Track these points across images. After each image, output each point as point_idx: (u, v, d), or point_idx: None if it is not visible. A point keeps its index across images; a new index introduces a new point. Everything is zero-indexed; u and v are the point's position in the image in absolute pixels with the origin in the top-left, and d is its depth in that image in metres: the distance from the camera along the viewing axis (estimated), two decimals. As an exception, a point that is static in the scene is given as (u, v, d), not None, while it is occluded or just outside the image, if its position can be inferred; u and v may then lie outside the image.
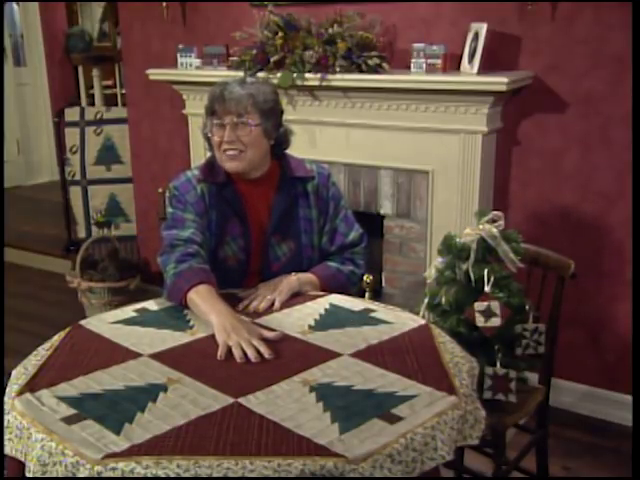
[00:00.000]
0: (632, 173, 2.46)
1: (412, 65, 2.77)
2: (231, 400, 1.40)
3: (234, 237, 2.04)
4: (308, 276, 2.05)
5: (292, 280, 2.00)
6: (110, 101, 5.05)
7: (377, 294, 2.96)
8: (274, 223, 2.05)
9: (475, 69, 2.65)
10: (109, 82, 5.45)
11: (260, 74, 2.96)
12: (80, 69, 5.18)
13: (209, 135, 2.01)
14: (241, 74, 2.93)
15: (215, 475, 1.18)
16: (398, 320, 1.81)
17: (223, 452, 1.22)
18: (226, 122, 1.95)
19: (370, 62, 2.79)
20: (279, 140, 2.07)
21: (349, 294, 2.04)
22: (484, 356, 1.90)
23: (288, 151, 2.16)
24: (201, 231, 1.98)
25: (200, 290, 1.81)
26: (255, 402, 1.39)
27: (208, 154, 2.12)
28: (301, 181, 2.09)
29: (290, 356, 1.61)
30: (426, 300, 2.09)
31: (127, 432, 1.29)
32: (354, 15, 2.86)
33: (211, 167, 2.06)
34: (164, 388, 1.46)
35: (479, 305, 1.90)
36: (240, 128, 1.95)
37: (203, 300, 1.79)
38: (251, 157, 1.99)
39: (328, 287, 2.05)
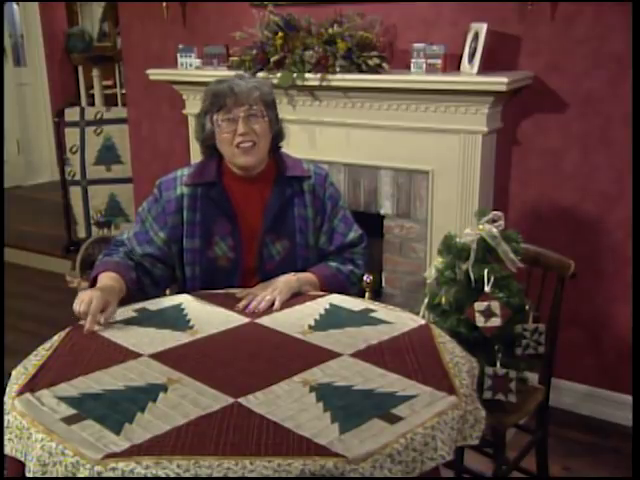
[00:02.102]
0: (632, 173, 2.46)
1: (412, 65, 2.77)
2: (231, 400, 1.40)
3: (223, 237, 2.04)
4: (307, 276, 2.05)
5: (292, 280, 2.00)
6: (110, 101, 5.05)
7: (377, 294, 2.95)
8: (268, 222, 2.05)
9: (475, 69, 2.65)
10: (109, 82, 5.46)
11: (260, 74, 2.96)
12: (80, 69, 5.19)
13: (216, 131, 2.01)
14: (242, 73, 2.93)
15: (215, 475, 1.18)
16: (398, 320, 1.81)
17: (223, 452, 1.22)
18: (240, 115, 1.97)
19: (370, 62, 2.79)
20: (277, 132, 2.09)
21: (349, 294, 2.04)
22: (484, 356, 1.90)
23: (287, 151, 2.17)
24: (155, 231, 2.05)
25: (101, 276, 1.93)
26: (255, 402, 1.39)
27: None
28: (297, 180, 2.10)
29: (290, 356, 1.61)
30: (426, 300, 2.09)
31: (127, 432, 1.29)
32: (354, 15, 2.86)
33: (202, 169, 2.09)
34: (164, 388, 1.46)
35: (479, 305, 1.90)
36: (252, 120, 1.98)
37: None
38: (263, 149, 2.03)
39: (328, 287, 2.05)
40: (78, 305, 1.76)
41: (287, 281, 1.99)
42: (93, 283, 1.94)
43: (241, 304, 1.90)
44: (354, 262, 2.15)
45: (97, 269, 1.97)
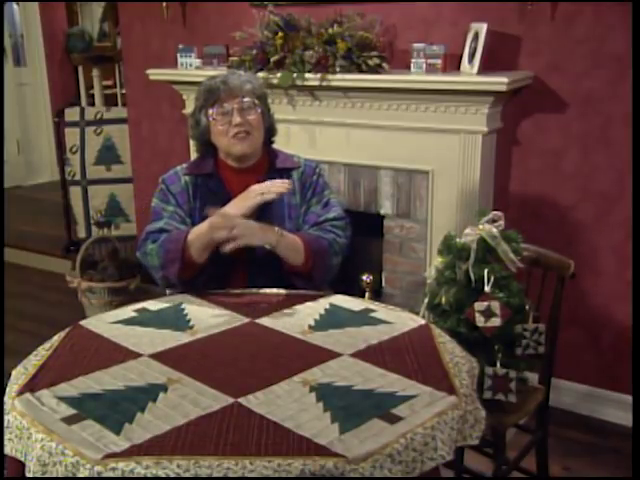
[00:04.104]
0: (632, 173, 2.46)
1: (412, 65, 2.77)
2: (231, 400, 1.40)
3: None
4: (291, 235, 1.99)
5: (272, 229, 1.95)
6: (110, 101, 5.05)
7: (377, 294, 2.96)
8: (258, 210, 2.05)
9: (475, 69, 2.64)
10: (109, 82, 5.45)
11: (260, 74, 2.96)
12: (80, 69, 5.19)
13: (211, 124, 2.06)
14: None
15: (215, 475, 1.18)
16: (398, 320, 1.81)
17: (223, 452, 1.23)
18: (234, 106, 2.03)
19: (370, 62, 2.79)
20: (269, 126, 2.15)
21: (331, 267, 2.02)
22: (484, 356, 1.90)
23: (286, 150, 2.21)
24: (179, 220, 2.07)
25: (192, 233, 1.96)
26: (255, 402, 1.39)
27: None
28: (288, 171, 2.15)
29: (290, 356, 1.61)
30: (426, 300, 2.09)
31: (127, 432, 1.29)
32: (354, 15, 2.86)
33: (200, 161, 2.19)
34: (164, 388, 1.46)
35: (479, 305, 1.90)
36: (246, 111, 2.05)
37: (199, 233, 1.94)
38: (257, 138, 2.09)
39: (310, 250, 1.97)
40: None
41: (264, 230, 1.95)
42: (183, 256, 1.93)
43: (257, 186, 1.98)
44: (335, 233, 2.06)
45: (180, 234, 1.96)
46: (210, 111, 2.07)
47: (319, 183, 2.18)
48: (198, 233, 1.95)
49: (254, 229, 1.94)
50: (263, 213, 2.06)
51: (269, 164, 2.16)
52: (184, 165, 2.20)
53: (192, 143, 2.22)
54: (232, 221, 1.89)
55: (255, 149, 2.11)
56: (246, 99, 2.04)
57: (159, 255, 1.98)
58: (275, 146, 2.23)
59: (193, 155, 3.42)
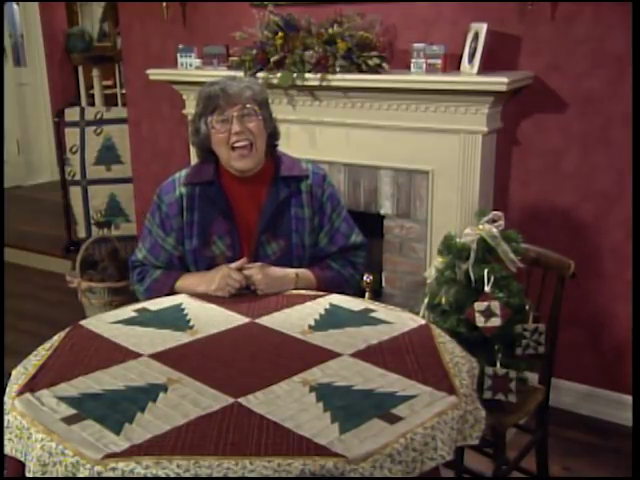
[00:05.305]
0: (632, 173, 2.46)
1: (412, 65, 2.77)
2: (231, 400, 1.40)
3: (221, 235, 2.06)
4: (307, 275, 2.06)
5: (291, 279, 2.02)
6: (110, 101, 5.05)
7: (377, 294, 2.95)
8: (264, 221, 2.05)
9: (475, 69, 2.64)
10: (109, 82, 5.45)
11: (260, 74, 2.97)
12: (80, 69, 5.19)
13: (212, 133, 2.02)
14: (241, 74, 2.93)
15: (215, 475, 1.18)
16: (398, 320, 1.81)
17: (223, 452, 1.23)
18: (234, 115, 1.98)
19: (370, 62, 2.79)
20: (272, 131, 2.10)
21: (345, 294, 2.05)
22: (484, 356, 1.90)
23: (288, 151, 2.18)
24: (158, 249, 2.10)
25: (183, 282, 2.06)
26: (255, 402, 1.39)
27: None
28: (295, 180, 2.10)
29: (290, 356, 1.61)
30: (426, 300, 2.09)
31: (127, 432, 1.29)
32: (354, 15, 2.86)
33: (199, 169, 2.12)
34: (164, 388, 1.46)
35: (479, 305, 1.90)
36: (246, 119, 2.00)
37: (189, 286, 2.03)
38: (260, 149, 2.04)
39: (324, 288, 2.05)
40: (229, 286, 1.95)
41: (287, 280, 2.02)
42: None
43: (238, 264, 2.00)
44: (355, 265, 2.17)
45: (163, 286, 2.05)
46: (209, 119, 2.01)
47: (333, 195, 2.15)
48: (188, 285, 2.03)
49: (274, 285, 2.00)
50: (269, 225, 2.06)
51: (274, 172, 2.09)
52: (183, 173, 2.13)
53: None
54: (236, 283, 1.96)
55: (258, 162, 2.05)
56: (247, 106, 1.99)
57: (145, 296, 2.08)
58: (280, 148, 2.17)
59: (193, 156, 3.42)
